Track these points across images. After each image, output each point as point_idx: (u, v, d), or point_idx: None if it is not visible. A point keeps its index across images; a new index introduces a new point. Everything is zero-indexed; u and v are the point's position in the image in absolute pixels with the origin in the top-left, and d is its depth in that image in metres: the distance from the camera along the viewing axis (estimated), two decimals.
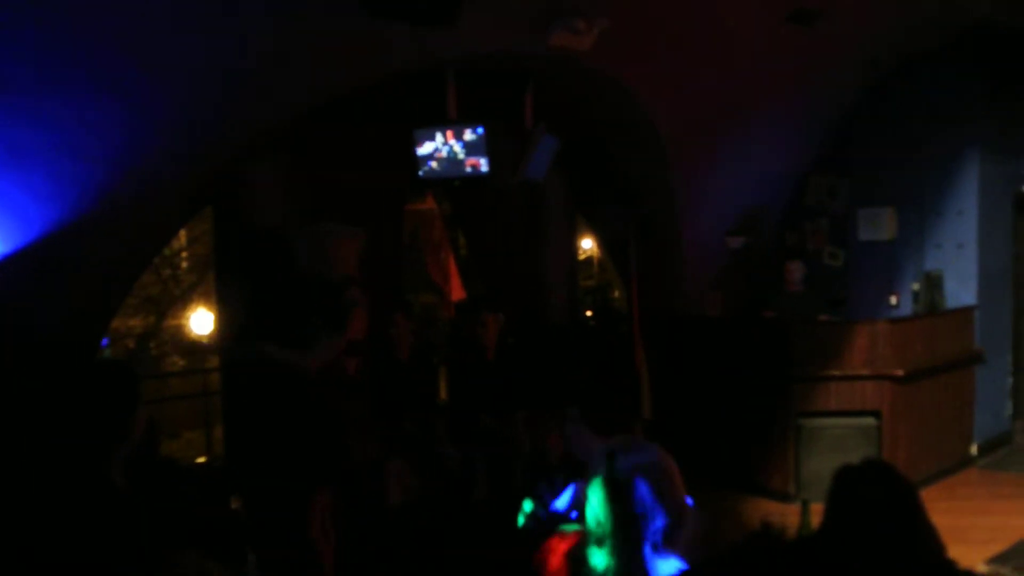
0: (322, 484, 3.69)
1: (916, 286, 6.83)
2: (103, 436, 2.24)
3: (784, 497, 5.87)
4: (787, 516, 4.71)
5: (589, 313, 8.92)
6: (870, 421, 5.76)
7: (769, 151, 6.79)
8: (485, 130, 5.00)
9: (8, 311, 3.79)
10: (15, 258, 3.70)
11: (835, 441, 5.74)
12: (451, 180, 5.20)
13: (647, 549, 1.90)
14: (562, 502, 2.64)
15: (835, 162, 7.22)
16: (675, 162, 6.24)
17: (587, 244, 12.67)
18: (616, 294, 10.52)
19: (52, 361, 3.90)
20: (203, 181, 4.50)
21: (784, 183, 7.30)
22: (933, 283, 6.70)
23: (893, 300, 6.94)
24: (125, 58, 3.66)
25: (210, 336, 11.53)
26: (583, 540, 1.99)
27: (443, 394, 6.02)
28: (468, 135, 5.04)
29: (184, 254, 13.13)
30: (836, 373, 5.80)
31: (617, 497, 1.89)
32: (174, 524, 2.40)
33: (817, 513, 2.33)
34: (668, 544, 1.88)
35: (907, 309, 6.83)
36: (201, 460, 8.79)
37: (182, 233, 11.68)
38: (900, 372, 5.72)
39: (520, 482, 4.65)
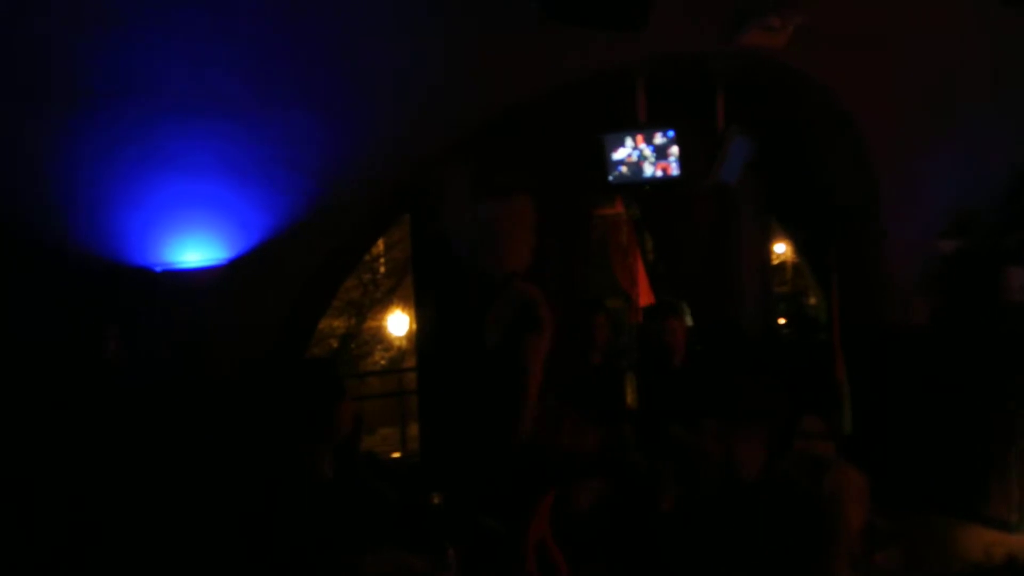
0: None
1: None
2: (312, 429, 2.38)
3: (1004, 526, 5.37)
4: (1010, 547, 4.32)
5: (782, 321, 8.57)
6: None
7: (983, 146, 6.26)
8: (676, 133, 4.93)
9: (230, 313, 4.13)
10: (237, 263, 4.03)
11: None
12: (641, 184, 5.16)
13: None
14: None
15: None
16: (878, 161, 5.90)
17: (780, 248, 12.19)
18: (811, 301, 10.05)
19: (267, 360, 4.20)
20: (400, 190, 4.72)
21: (1003, 181, 6.71)
22: None
23: None
24: (329, 75, 3.91)
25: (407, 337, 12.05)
26: None
27: (630, 400, 5.97)
28: (658, 138, 4.98)
29: (382, 259, 13.79)
30: None
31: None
32: (376, 516, 2.51)
33: None
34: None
35: None
36: (396, 455, 9.21)
37: (380, 239, 12.27)
38: None
39: (708, 494, 4.53)
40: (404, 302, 13.00)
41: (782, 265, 13.03)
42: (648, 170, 5.05)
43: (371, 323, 14.21)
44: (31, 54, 3.33)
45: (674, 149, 4.99)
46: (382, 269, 13.90)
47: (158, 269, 3.91)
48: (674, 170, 4.97)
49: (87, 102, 3.50)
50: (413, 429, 7.85)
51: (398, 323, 13.53)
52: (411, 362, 10.11)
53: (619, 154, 5.09)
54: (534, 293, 3.75)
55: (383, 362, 14.29)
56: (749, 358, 6.41)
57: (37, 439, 3.69)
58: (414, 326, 7.65)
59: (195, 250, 3.95)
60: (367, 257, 12.34)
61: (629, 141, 5.04)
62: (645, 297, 7.96)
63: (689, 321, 5.36)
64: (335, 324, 13.51)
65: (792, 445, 3.49)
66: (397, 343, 14.20)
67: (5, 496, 3.56)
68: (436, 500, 3.15)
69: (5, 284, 3.71)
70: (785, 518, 2.01)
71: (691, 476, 4.78)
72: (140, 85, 3.55)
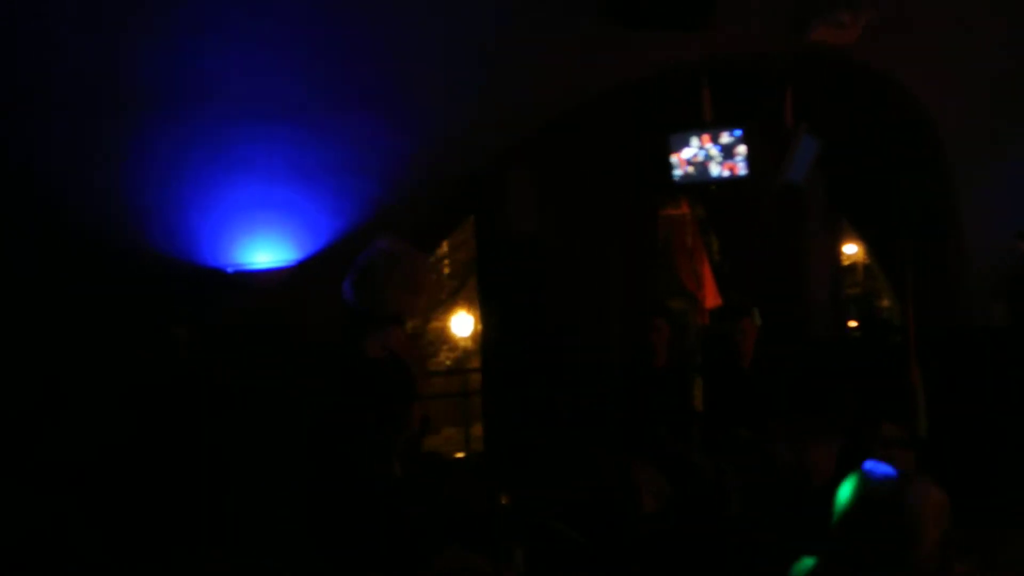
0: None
1: None
2: (383, 428, 2.40)
3: None
4: None
5: (853, 323, 8.37)
6: None
7: None
8: (743, 132, 4.86)
9: (298, 313, 4.20)
10: (306, 264, 4.11)
11: None
12: (707, 184, 5.10)
13: None
14: None
15: None
16: (953, 159, 5.72)
17: (851, 249, 11.91)
18: (884, 303, 9.80)
19: (335, 358, 4.26)
20: (463, 191, 4.75)
21: None
22: None
23: None
24: (394, 80, 3.95)
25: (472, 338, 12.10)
26: None
27: (697, 402, 5.90)
28: (725, 138, 4.91)
29: (447, 261, 13.88)
30: None
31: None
32: (441, 515, 2.53)
33: None
34: None
35: None
36: (459, 456, 9.25)
37: (444, 241, 12.33)
38: None
39: (777, 499, 4.44)
40: (469, 303, 13.06)
41: (853, 266, 12.73)
42: (715, 170, 4.98)
43: (436, 324, 14.30)
44: (109, 63, 3.43)
45: (741, 148, 4.91)
46: (446, 270, 13.98)
47: (230, 270, 4.00)
48: (741, 170, 4.90)
49: (161, 108, 3.60)
50: (477, 430, 7.88)
51: (462, 324, 13.61)
52: (475, 363, 10.13)
53: (685, 153, 5.03)
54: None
55: (448, 362, 14.37)
56: (819, 361, 6.28)
57: (112, 433, 3.81)
58: (479, 327, 7.68)
59: (265, 251, 4.03)
60: (431, 259, 12.42)
61: (695, 140, 4.98)
62: (712, 299, 7.85)
63: (758, 322, 5.26)
64: None
65: (868, 451, 3.39)
66: (462, 344, 14.27)
67: (81, 485, 3.68)
68: (503, 501, 3.14)
69: (82, 285, 3.83)
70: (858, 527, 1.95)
71: (759, 479, 4.71)
72: (212, 91, 3.64)
